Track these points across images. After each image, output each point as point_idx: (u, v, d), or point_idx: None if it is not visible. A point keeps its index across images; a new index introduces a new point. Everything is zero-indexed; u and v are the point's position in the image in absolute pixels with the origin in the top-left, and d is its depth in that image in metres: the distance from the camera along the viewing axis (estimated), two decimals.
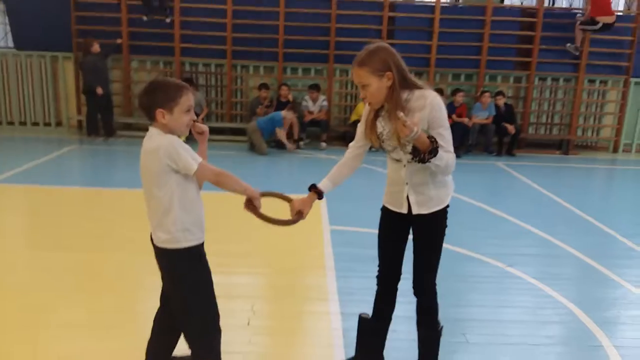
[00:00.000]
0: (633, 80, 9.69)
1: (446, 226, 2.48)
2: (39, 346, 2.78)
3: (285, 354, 2.84)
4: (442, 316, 2.82)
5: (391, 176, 2.49)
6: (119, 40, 9.14)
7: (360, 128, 2.52)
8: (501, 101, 9.19)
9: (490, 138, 9.09)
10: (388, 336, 2.70)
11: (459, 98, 9.04)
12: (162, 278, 2.31)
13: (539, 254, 4.55)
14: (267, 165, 7.84)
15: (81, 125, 9.53)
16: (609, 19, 8.61)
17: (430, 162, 2.20)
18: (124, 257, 4.01)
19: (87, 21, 9.29)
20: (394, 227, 2.53)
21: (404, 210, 2.44)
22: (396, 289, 2.62)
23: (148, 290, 3.49)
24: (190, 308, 2.22)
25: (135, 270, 3.77)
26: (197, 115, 8.98)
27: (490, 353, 2.92)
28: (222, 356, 2.69)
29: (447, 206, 2.46)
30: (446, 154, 2.25)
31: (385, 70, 2.25)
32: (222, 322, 3.03)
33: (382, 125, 2.38)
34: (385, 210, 2.56)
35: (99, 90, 8.51)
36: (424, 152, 2.18)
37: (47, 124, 9.81)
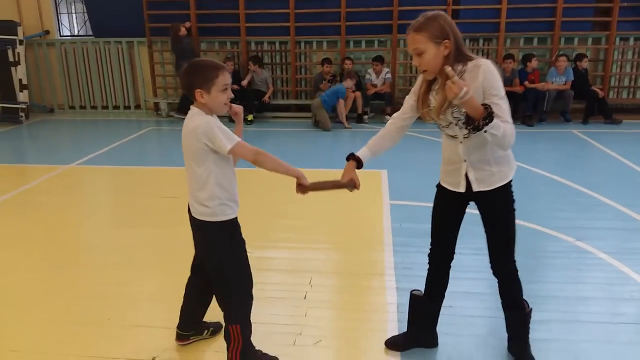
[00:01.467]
0: None
1: (514, 200, 2.40)
2: (116, 314, 3.04)
3: (340, 328, 2.92)
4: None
5: (447, 154, 2.42)
6: (187, 24, 9.44)
7: (409, 100, 2.46)
8: (584, 64, 8.61)
9: (568, 104, 8.58)
10: (443, 311, 2.70)
11: (533, 63, 8.58)
12: (196, 247, 2.50)
13: (614, 227, 4.31)
14: (331, 140, 7.90)
15: (158, 107, 10.00)
16: None
17: (486, 130, 2.06)
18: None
19: (157, 6, 9.66)
20: (449, 206, 2.49)
21: (462, 189, 2.38)
22: (449, 267, 2.60)
23: None
24: (224, 273, 2.39)
25: None
26: (264, 93, 9.19)
27: (556, 331, 2.84)
28: (280, 327, 2.84)
29: (511, 181, 2.38)
30: (503, 123, 2.11)
31: (444, 38, 2.18)
32: (281, 295, 3.19)
33: (435, 99, 2.31)
34: (440, 189, 2.51)
35: None
36: (477, 120, 2.05)
37: (127, 107, 10.39)
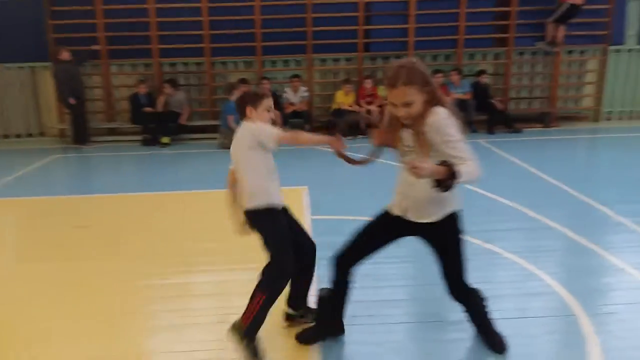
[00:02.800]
0: (612, 48, 9.73)
1: (461, 231, 2.53)
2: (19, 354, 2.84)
3: (269, 349, 2.89)
4: (422, 297, 2.89)
5: (399, 178, 2.56)
6: (95, 47, 9.13)
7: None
8: (484, 79, 9.22)
9: (471, 115, 9.11)
10: (363, 321, 2.77)
11: (438, 79, 9.07)
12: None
13: (518, 227, 4.61)
14: None
15: (63, 134, 9.53)
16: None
17: (456, 186, 2.14)
18: (111, 264, 4.07)
19: (63, 29, 9.26)
20: (385, 224, 2.63)
21: (399, 214, 2.51)
22: (350, 270, 2.73)
23: (133, 294, 3.56)
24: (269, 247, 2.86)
25: (123, 276, 3.83)
26: (180, 115, 9.03)
27: (469, 330, 2.97)
28: (194, 354, 2.79)
29: (457, 211, 2.49)
30: (466, 167, 2.16)
31: (427, 84, 2.26)
32: (192, 321, 3.13)
33: (409, 138, 2.39)
34: (386, 208, 2.64)
35: (71, 101, 8.54)
36: (444, 181, 2.10)
37: (30, 135, 9.83)
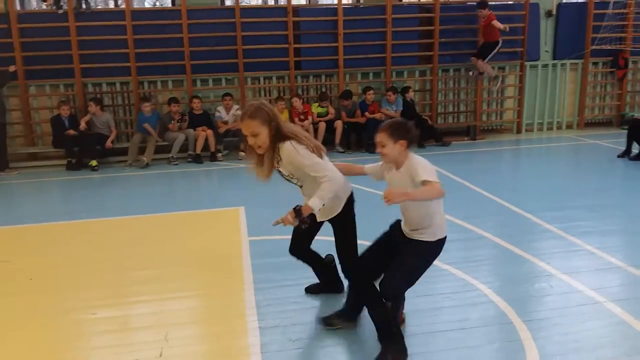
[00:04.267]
0: (528, 63, 10.33)
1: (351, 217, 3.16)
2: None
3: None
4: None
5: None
6: (12, 68, 8.59)
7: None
8: (411, 95, 9.51)
9: None
10: None
11: (369, 96, 9.27)
12: None
13: (453, 239, 4.68)
14: (189, 180, 7.68)
15: None
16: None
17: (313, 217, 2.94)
18: (36, 300, 3.76)
19: None
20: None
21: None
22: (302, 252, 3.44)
23: (62, 332, 3.30)
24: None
25: (50, 312, 3.55)
26: (106, 137, 8.63)
27: (416, 344, 2.97)
28: None
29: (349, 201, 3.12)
30: (321, 191, 2.83)
31: (270, 121, 2.88)
32: (131, 357, 2.94)
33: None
34: None
35: None
36: (299, 219, 2.84)
37: None
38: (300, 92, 9.58)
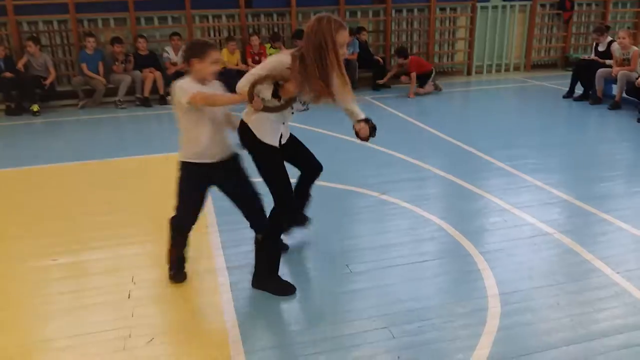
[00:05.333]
0: (479, 4, 10.37)
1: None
2: None
3: (173, 321, 2.78)
4: (328, 250, 2.93)
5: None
6: None
7: None
8: (364, 37, 9.38)
9: (354, 74, 9.26)
10: None
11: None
12: None
13: (410, 178, 4.84)
14: (138, 125, 7.40)
15: None
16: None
17: None
18: None
19: None
20: None
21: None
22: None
23: (21, 279, 3.21)
24: None
25: (6, 260, 3.43)
26: (45, 78, 8.12)
27: (374, 278, 3.09)
28: (106, 334, 2.61)
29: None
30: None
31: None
32: (102, 300, 2.91)
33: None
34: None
35: None
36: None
37: None
38: (250, 31, 9.27)
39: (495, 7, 10.59)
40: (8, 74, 7.87)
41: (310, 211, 3.45)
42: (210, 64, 2.74)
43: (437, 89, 9.04)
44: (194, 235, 3.10)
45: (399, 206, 4.17)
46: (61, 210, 4.23)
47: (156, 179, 4.81)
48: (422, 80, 8.83)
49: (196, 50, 2.74)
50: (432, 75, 8.90)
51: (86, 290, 3.04)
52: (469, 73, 10.73)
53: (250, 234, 3.03)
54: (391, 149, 5.64)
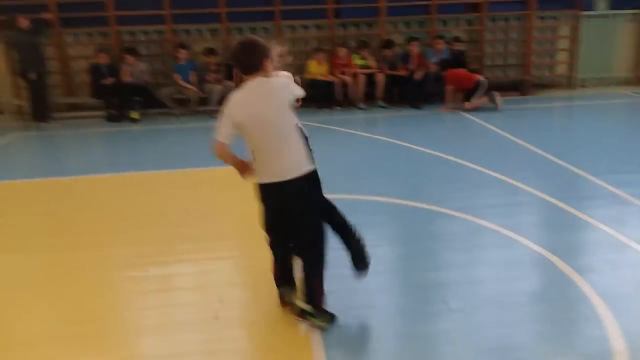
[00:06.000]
0: (584, 13, 9.64)
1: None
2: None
3: (261, 346, 2.66)
4: (420, 282, 2.73)
5: None
6: (46, 15, 8.36)
7: None
8: (459, 46, 8.98)
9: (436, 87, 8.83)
10: None
11: (413, 48, 8.76)
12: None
13: (508, 202, 4.46)
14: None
15: (21, 110, 8.83)
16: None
17: None
18: (83, 256, 3.71)
19: None
20: None
21: None
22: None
23: (111, 290, 3.25)
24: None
25: (97, 269, 3.49)
26: (144, 88, 8.47)
27: (473, 317, 2.81)
28: (191, 357, 2.52)
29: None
30: None
31: None
32: (187, 317, 2.85)
33: None
34: None
35: (32, 76, 7.84)
36: None
37: None
38: (339, 42, 9.16)
39: (601, 15, 9.80)
40: (110, 80, 8.26)
41: (396, 232, 3.21)
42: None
43: (493, 102, 8.30)
44: None
45: (496, 233, 3.83)
46: (155, 218, 4.29)
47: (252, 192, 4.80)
48: (470, 94, 8.23)
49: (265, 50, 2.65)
50: (478, 89, 8.21)
51: (175, 307, 3.00)
52: (571, 86, 9.97)
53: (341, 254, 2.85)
54: (485, 167, 5.27)
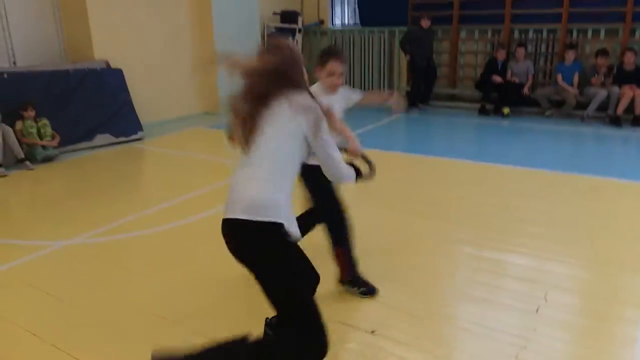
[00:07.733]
0: None
1: None
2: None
3: (570, 353, 2.59)
4: None
5: None
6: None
7: None
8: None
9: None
10: None
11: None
12: None
13: None
14: (600, 143, 6.99)
15: (408, 95, 10.22)
16: None
17: None
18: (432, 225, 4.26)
19: None
20: None
21: None
22: None
23: (446, 257, 3.65)
24: None
25: (440, 238, 3.97)
26: (523, 85, 8.56)
27: None
28: (504, 336, 2.66)
29: None
30: None
31: None
32: (509, 302, 2.97)
33: None
34: None
35: (421, 65, 8.95)
36: None
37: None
38: None
39: None
40: (498, 79, 8.65)
41: None
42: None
43: None
44: (629, 276, 2.74)
45: None
46: (500, 210, 4.48)
47: (608, 204, 4.49)
48: None
49: (320, 57, 2.77)
50: None
51: (501, 289, 3.16)
52: None
53: None
54: None
